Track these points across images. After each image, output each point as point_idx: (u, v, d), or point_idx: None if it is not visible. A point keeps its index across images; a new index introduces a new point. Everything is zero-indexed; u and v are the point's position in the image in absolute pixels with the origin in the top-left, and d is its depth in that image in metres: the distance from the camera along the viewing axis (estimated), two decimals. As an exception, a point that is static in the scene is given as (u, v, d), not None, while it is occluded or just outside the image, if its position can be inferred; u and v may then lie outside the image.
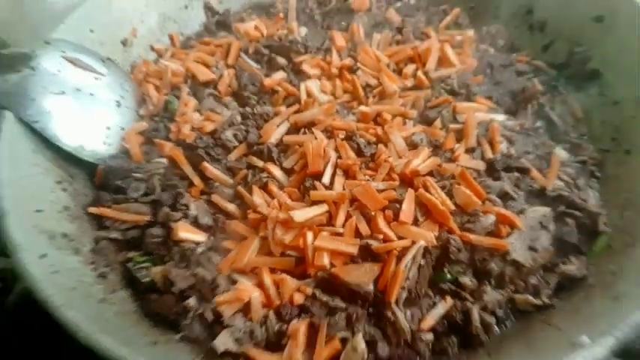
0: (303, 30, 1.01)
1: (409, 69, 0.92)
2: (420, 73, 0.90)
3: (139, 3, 0.98)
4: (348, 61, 0.94)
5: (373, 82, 0.90)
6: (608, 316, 0.53)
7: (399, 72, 0.93)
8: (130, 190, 0.74)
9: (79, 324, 0.51)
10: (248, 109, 0.86)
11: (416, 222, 0.69)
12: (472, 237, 0.67)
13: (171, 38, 1.02)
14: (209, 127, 0.81)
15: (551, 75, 0.94)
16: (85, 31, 0.91)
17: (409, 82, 0.91)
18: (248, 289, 0.65)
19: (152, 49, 1.00)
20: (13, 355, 1.08)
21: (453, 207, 0.69)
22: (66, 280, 0.59)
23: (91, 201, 0.76)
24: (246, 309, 0.64)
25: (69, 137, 0.76)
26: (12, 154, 0.70)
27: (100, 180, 0.78)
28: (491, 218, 0.69)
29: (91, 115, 0.80)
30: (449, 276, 0.66)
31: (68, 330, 0.51)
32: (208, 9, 1.06)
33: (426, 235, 0.66)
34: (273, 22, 1.03)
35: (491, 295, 0.66)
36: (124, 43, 0.96)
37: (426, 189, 0.71)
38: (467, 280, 0.66)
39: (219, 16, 1.05)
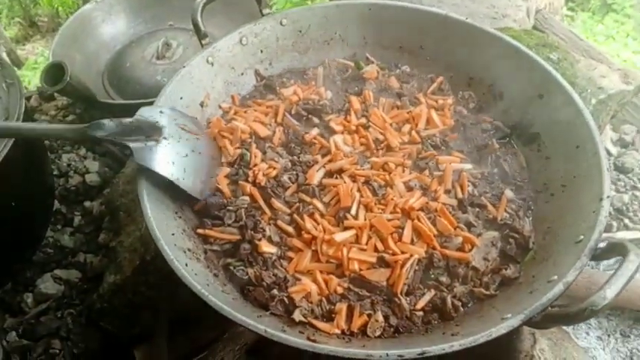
0: (329, 94, 1.38)
1: (406, 128, 1.30)
2: (413, 132, 1.29)
3: (210, 74, 1.33)
4: (363, 120, 1.32)
5: (381, 137, 1.28)
6: (524, 303, 0.91)
7: (398, 130, 1.30)
8: (225, 219, 1.12)
9: (222, 306, 0.88)
10: (295, 157, 1.24)
11: (412, 242, 1.07)
12: (447, 252, 1.06)
13: (232, 98, 1.38)
14: (273, 173, 1.18)
15: (507, 132, 1.31)
16: (177, 98, 1.26)
17: (406, 138, 1.28)
18: (308, 284, 1.03)
19: (220, 107, 1.36)
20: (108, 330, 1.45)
21: (435, 232, 1.08)
22: (202, 279, 0.96)
23: (195, 225, 1.14)
24: (308, 296, 1.02)
25: (191, 184, 1.11)
26: (149, 197, 1.06)
27: (200, 209, 1.16)
28: (460, 239, 1.08)
29: (201, 167, 1.15)
30: (432, 276, 1.05)
31: (215, 310, 0.88)
32: (258, 74, 1.42)
33: (419, 251, 1.05)
34: (307, 87, 1.39)
35: (459, 288, 1.04)
36: (202, 104, 1.31)
37: (419, 220, 1.10)
38: (444, 278, 1.05)
39: (266, 80, 1.42)
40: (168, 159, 1.09)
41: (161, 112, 1.16)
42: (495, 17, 2.04)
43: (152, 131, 1.11)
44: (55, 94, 2.12)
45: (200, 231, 1.11)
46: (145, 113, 1.14)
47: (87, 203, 1.81)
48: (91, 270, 1.67)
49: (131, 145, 1.07)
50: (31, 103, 2.12)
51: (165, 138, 1.11)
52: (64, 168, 1.86)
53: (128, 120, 1.11)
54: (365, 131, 1.29)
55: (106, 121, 1.11)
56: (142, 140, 1.08)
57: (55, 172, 1.85)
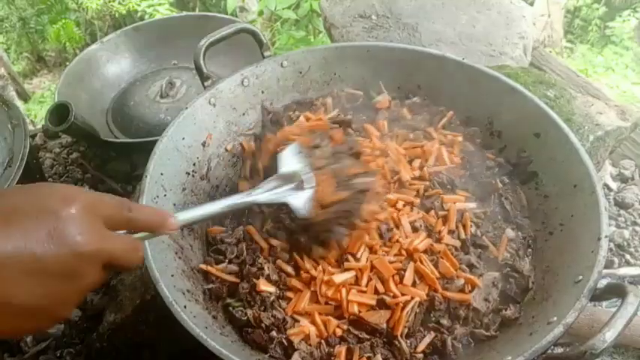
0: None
1: (416, 163, 1.30)
2: (425, 168, 1.27)
3: (212, 115, 1.35)
4: (383, 146, 1.31)
5: (396, 169, 1.27)
6: (524, 345, 0.90)
7: (409, 162, 1.30)
8: (227, 254, 1.13)
9: (221, 350, 0.87)
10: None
11: (414, 284, 1.08)
12: (449, 294, 1.06)
13: (242, 146, 1.40)
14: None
15: (509, 169, 1.32)
16: (179, 139, 1.27)
17: (417, 173, 1.27)
18: (307, 326, 1.03)
19: (226, 150, 1.38)
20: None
21: (437, 274, 1.08)
22: (201, 321, 0.96)
23: (195, 265, 1.14)
24: (306, 338, 1.02)
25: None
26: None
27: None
28: (462, 281, 1.08)
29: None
30: (433, 318, 1.05)
31: (214, 353, 0.88)
32: (265, 109, 1.44)
33: (420, 294, 1.05)
34: (316, 115, 1.41)
35: (460, 330, 1.03)
36: (203, 144, 1.33)
37: (421, 262, 1.10)
38: (445, 321, 1.04)
39: (272, 114, 1.44)
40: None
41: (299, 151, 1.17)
42: (493, 55, 2.07)
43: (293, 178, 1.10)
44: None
45: (202, 266, 1.12)
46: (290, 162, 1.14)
47: (89, 240, 1.81)
48: (91, 308, 1.66)
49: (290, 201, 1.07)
50: (36, 141, 2.15)
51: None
52: (67, 205, 1.87)
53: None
54: (383, 160, 1.29)
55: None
56: (294, 191, 1.08)
57: (58, 210, 1.86)
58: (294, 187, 1.08)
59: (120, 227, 0.70)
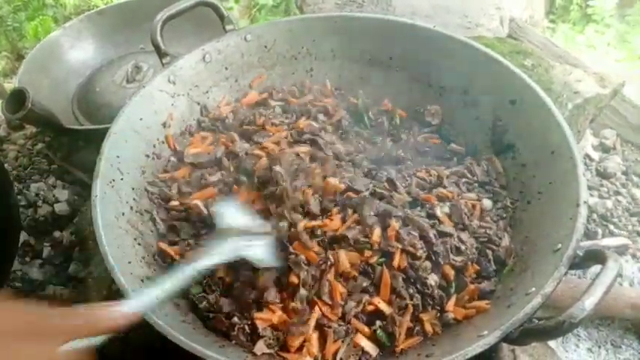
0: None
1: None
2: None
3: (172, 94, 1.28)
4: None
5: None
6: (501, 318, 0.86)
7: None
8: (182, 234, 1.07)
9: (180, 339, 0.81)
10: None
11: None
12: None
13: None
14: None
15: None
16: (137, 120, 1.20)
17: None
18: (275, 311, 0.97)
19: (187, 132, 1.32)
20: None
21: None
22: (161, 310, 0.90)
23: (155, 251, 1.09)
24: (272, 325, 0.96)
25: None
26: (104, 223, 1.00)
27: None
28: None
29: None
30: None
31: (174, 342, 0.82)
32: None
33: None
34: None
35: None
36: (164, 125, 1.27)
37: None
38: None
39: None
40: None
41: None
42: (469, 27, 2.02)
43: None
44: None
45: (162, 245, 1.07)
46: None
47: (56, 233, 1.73)
48: (61, 303, 1.59)
49: None
50: (-1, 133, 2.07)
51: None
52: (33, 198, 1.80)
53: None
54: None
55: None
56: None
57: (23, 203, 1.78)
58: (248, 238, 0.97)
59: None
